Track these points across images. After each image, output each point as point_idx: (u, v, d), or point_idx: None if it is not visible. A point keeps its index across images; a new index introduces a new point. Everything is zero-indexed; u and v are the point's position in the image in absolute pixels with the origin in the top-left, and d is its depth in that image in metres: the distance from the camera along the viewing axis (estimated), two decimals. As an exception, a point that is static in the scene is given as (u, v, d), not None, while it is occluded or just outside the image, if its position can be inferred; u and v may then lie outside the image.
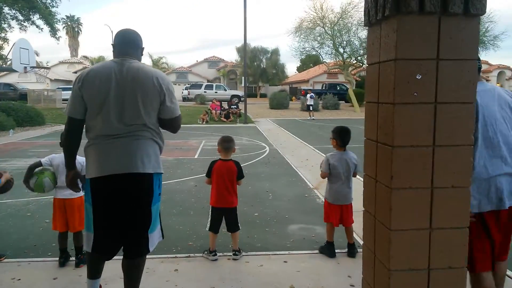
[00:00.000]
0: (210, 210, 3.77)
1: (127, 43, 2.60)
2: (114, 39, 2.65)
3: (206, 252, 3.75)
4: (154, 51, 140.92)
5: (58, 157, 3.50)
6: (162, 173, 2.65)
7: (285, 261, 3.63)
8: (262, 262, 3.62)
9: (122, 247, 2.60)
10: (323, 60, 31.46)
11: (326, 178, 3.89)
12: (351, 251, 3.76)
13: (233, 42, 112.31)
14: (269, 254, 3.79)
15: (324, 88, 36.99)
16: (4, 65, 26.55)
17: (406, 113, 1.78)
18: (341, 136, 3.82)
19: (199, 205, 5.45)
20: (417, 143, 1.80)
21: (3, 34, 19.97)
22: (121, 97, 2.42)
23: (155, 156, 2.56)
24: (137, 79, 2.45)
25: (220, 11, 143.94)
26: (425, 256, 1.86)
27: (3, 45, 20.45)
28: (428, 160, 1.81)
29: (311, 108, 23.06)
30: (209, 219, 3.74)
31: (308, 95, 23.69)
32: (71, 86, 2.63)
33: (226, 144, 3.77)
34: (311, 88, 36.15)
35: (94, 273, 2.67)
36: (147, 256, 3.29)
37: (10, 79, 40.38)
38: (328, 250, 3.76)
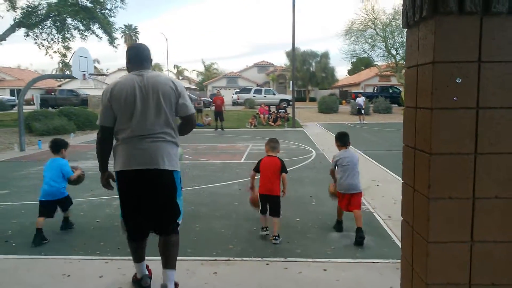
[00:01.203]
0: (259, 197, 4.40)
1: (142, 57, 3.00)
2: (127, 53, 3.02)
3: (263, 229, 4.37)
4: (206, 57, 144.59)
5: None
6: (179, 171, 3.03)
7: (324, 269, 3.55)
8: (301, 268, 3.57)
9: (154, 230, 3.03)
10: (375, 63, 30.63)
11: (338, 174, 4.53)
12: (359, 234, 4.17)
13: (283, 46, 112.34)
14: (309, 261, 3.73)
15: (375, 91, 36.01)
16: (68, 72, 28.44)
17: (445, 119, 1.68)
18: (340, 138, 4.64)
19: (242, 209, 5.48)
20: (457, 151, 1.69)
21: (66, 43, 21.35)
22: (146, 103, 2.82)
23: (175, 156, 2.95)
24: (157, 84, 2.85)
25: (271, 16, 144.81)
26: (465, 270, 1.74)
27: (66, 53, 21.80)
28: (469, 168, 1.69)
29: (362, 112, 22.50)
30: (260, 204, 4.38)
31: (359, 99, 23.11)
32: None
33: (272, 144, 4.53)
34: (362, 91, 35.31)
35: (138, 258, 3.09)
36: (188, 258, 3.45)
37: (73, 85, 43.22)
38: (337, 225, 4.62)
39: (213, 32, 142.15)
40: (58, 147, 4.60)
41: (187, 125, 3.08)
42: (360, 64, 52.54)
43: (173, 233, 2.97)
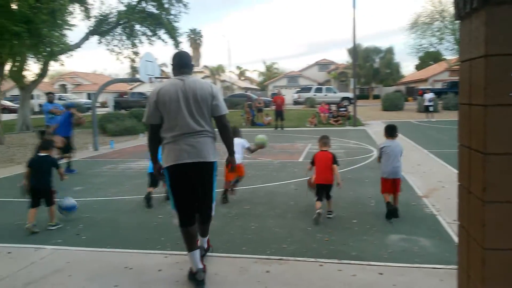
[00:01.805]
0: (315, 186, 5.12)
1: (183, 64, 3.41)
2: (172, 60, 3.45)
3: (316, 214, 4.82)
4: (267, 57, 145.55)
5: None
6: (216, 162, 3.45)
7: (380, 273, 3.43)
8: (355, 271, 3.48)
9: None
10: (444, 57, 28.89)
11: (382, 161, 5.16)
12: (394, 212, 4.87)
13: (344, 43, 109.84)
14: (364, 264, 3.62)
15: (445, 86, 33.94)
16: (137, 76, 30.19)
17: (501, 116, 1.56)
18: (387, 130, 5.21)
19: (297, 209, 5.46)
20: (515, 151, 1.56)
21: (135, 49, 22.62)
22: (189, 105, 3.23)
23: (215, 149, 3.42)
24: (196, 89, 3.26)
25: (331, 13, 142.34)
26: (527, 281, 1.60)
27: (135, 58, 23.06)
28: (529, 170, 1.56)
29: (430, 109, 21.28)
30: (315, 193, 5.09)
31: (426, 95, 21.87)
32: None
33: (324, 140, 5.27)
34: (430, 87, 33.44)
35: (190, 246, 3.36)
36: (242, 255, 3.85)
37: (143, 88, 45.71)
38: (387, 206, 4.93)
39: (274, 32, 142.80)
40: None
41: (223, 126, 3.43)
42: (429, 58, 49.86)
43: (210, 217, 3.58)
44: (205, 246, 3.77)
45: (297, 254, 3.89)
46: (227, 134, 3.48)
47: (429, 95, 21.47)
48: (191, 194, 3.31)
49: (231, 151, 3.62)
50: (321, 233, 4.46)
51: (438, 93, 28.47)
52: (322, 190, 5.01)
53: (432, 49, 28.84)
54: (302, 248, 4.03)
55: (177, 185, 3.30)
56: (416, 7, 65.64)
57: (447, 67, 31.57)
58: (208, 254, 3.84)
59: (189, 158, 3.20)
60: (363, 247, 4.07)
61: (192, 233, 3.37)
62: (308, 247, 4.06)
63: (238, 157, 5.24)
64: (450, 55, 28.41)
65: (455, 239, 4.19)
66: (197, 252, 3.37)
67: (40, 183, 4.89)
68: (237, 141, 5.39)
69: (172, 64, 3.45)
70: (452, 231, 4.42)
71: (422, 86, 37.88)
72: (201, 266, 3.35)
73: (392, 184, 5.01)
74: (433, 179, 7.05)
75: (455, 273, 3.36)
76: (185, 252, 3.72)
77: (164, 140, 3.30)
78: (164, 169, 3.33)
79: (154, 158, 3.47)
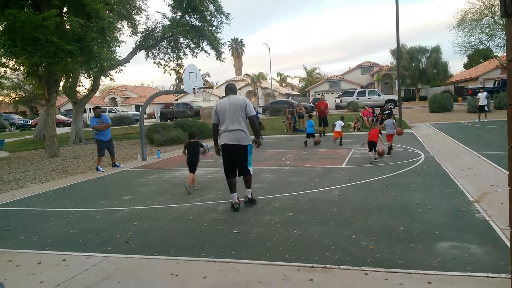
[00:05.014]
0: (367, 143, 9.99)
1: (230, 90, 6.20)
2: (225, 88, 6.27)
3: (371, 159, 9.86)
4: (308, 62, 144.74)
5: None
6: (251, 144, 6.03)
7: (429, 282, 3.30)
8: (402, 280, 3.37)
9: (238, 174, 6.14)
10: (494, 54, 27.41)
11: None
12: (389, 149, 10.86)
13: (387, 45, 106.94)
14: (411, 273, 3.49)
15: (497, 85, 32.13)
16: (182, 87, 30.96)
17: (552, 118, 1.47)
18: (387, 114, 14.80)
19: (341, 216, 5.37)
20: None
21: (179, 61, 23.31)
22: (233, 112, 5.88)
23: (248, 138, 5.94)
24: (236, 102, 5.91)
25: (373, 14, 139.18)
26: None
27: (180, 70, 23.74)
28: None
29: (486, 109, 20.14)
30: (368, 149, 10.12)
31: (481, 94, 20.67)
32: None
33: (375, 124, 11.11)
34: (481, 86, 31.83)
35: (232, 189, 6.04)
36: (285, 263, 3.90)
37: (187, 99, 46.98)
38: (388, 149, 10.85)
39: (314, 37, 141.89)
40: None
41: (251, 121, 5.97)
42: (478, 56, 47.50)
43: (248, 175, 6.09)
44: (249, 196, 6.28)
45: (341, 262, 3.82)
46: (254, 126, 6.05)
47: (483, 94, 20.35)
48: (232, 160, 5.96)
49: (257, 135, 6.15)
50: (365, 241, 4.36)
51: (490, 91, 27.03)
52: (371, 145, 9.69)
53: (481, 47, 27.43)
54: (346, 256, 3.96)
55: (225, 155, 6.00)
56: (461, 4, 62.71)
57: (498, 64, 29.91)
58: (248, 261, 3.96)
59: (232, 141, 5.83)
60: (411, 255, 3.93)
61: (232, 183, 6.00)
62: (353, 255, 3.98)
63: (339, 126, 13.69)
64: (501, 52, 26.90)
65: (510, 246, 3.96)
66: (235, 194, 6.00)
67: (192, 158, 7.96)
68: (339, 122, 13.76)
69: (225, 90, 6.25)
70: (506, 238, 4.18)
71: (472, 85, 36.18)
72: (237, 201, 5.98)
73: (390, 136, 10.94)
74: (485, 183, 6.70)
75: (510, 282, 3.19)
76: (229, 259, 4.03)
77: (220, 132, 5.97)
78: (220, 146, 6.03)
79: (216, 143, 6.26)
